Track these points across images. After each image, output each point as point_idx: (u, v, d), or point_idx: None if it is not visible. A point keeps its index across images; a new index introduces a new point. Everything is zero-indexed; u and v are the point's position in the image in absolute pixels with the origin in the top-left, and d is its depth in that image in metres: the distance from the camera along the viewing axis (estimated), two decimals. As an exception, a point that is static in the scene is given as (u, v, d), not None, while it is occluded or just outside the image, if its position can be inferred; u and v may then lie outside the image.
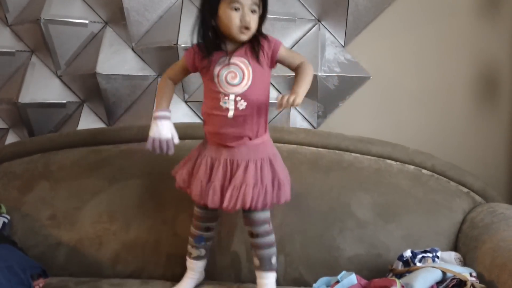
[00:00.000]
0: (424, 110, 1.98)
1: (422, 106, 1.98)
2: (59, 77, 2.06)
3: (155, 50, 1.95)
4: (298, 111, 2.00)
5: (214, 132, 1.44)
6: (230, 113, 1.39)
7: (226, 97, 1.40)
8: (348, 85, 1.96)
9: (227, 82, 1.40)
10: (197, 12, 1.44)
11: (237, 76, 1.40)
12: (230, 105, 1.40)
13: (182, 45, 1.86)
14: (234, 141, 1.42)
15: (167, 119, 1.46)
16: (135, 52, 2.01)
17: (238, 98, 1.40)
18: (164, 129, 1.45)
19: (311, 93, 1.94)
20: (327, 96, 1.95)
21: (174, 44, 1.87)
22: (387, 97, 1.99)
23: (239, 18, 1.35)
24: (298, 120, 2.00)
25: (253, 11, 1.37)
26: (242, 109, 1.40)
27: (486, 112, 1.96)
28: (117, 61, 1.98)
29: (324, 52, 1.94)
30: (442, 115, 1.97)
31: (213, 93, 1.41)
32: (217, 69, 1.41)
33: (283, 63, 1.45)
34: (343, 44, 1.97)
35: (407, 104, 1.98)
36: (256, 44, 1.41)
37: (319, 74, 1.89)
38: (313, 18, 1.96)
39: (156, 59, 1.98)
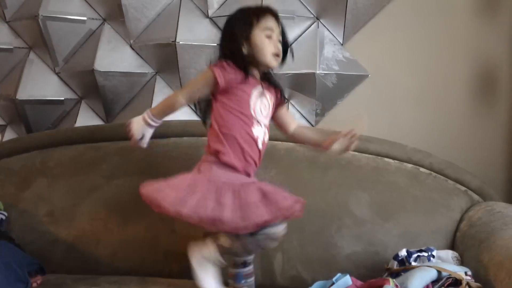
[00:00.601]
0: (422, 108, 1.98)
1: (420, 104, 1.98)
2: (57, 74, 2.06)
3: (153, 47, 1.95)
4: (296, 109, 2.00)
5: (247, 156, 1.35)
6: (260, 144, 1.38)
7: (259, 125, 1.37)
8: (346, 83, 1.96)
9: (260, 111, 1.38)
10: (226, 36, 1.40)
11: (267, 108, 1.41)
12: (260, 134, 1.37)
13: (181, 42, 1.86)
14: (252, 173, 1.38)
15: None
16: (133, 49, 2.01)
17: (265, 130, 1.40)
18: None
19: (309, 91, 1.94)
20: (325, 94, 1.95)
21: (172, 41, 1.87)
22: (385, 95, 1.98)
23: (272, 45, 1.36)
24: (296, 118, 1.99)
25: (279, 41, 1.39)
26: (264, 143, 1.40)
27: (484, 110, 1.96)
28: (115, 58, 1.98)
29: (322, 50, 1.93)
30: (440, 113, 1.97)
31: (245, 117, 1.35)
32: (254, 94, 1.37)
33: (280, 117, 1.49)
34: (341, 42, 1.97)
35: (405, 102, 1.98)
36: (279, 87, 1.45)
37: (318, 72, 1.89)
38: (312, 16, 1.96)
39: (154, 56, 1.98)
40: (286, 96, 1.98)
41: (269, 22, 1.37)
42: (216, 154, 1.34)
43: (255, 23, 1.36)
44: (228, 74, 1.34)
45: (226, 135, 1.34)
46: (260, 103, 1.38)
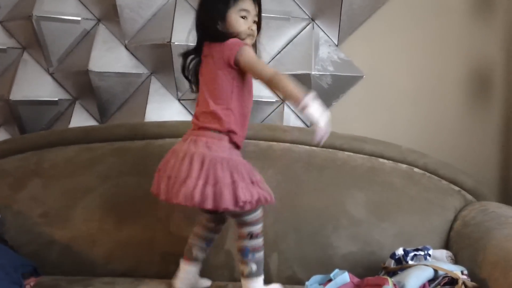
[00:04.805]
0: (416, 109, 1.99)
1: (415, 105, 1.99)
2: (51, 75, 2.04)
3: (149, 47, 1.94)
4: (292, 109, 2.01)
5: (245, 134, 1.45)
6: None
7: None
8: (341, 84, 1.96)
9: None
10: (202, 12, 1.44)
11: None
12: None
13: (176, 43, 1.86)
14: None
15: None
16: (128, 49, 2.00)
17: None
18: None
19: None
20: (320, 95, 1.92)
21: (168, 42, 1.86)
22: (380, 96, 1.99)
23: (247, 26, 1.41)
24: (292, 118, 2.00)
25: (254, 22, 1.44)
26: None
27: (478, 111, 1.98)
28: (110, 58, 1.97)
29: (317, 51, 1.94)
30: (434, 114, 1.98)
31: (251, 95, 1.45)
32: None
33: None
34: (336, 43, 1.98)
35: (400, 103, 1.99)
36: None
37: (313, 73, 1.90)
38: (307, 17, 1.97)
39: (150, 56, 1.98)
40: (282, 96, 1.99)
41: (246, 3, 1.41)
42: (229, 134, 1.37)
43: (232, 4, 1.39)
44: None
45: (244, 116, 1.41)
46: None
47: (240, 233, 1.41)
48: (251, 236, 1.39)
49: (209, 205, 1.29)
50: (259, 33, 1.48)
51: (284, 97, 1.44)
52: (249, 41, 1.42)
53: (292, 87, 1.31)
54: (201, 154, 1.32)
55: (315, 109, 1.28)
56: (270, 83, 1.34)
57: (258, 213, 1.40)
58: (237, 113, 1.38)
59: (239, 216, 1.38)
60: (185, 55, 1.47)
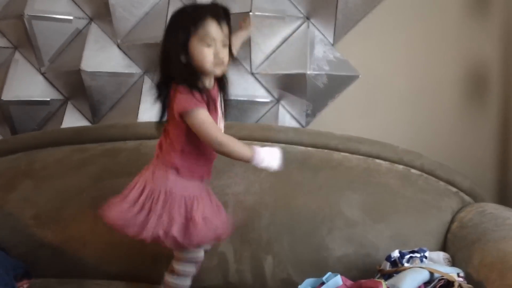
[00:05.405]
0: (413, 109, 1.98)
1: (411, 105, 1.98)
2: (43, 74, 2.03)
3: (141, 47, 1.93)
4: (286, 110, 2.00)
5: (206, 168, 1.41)
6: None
7: None
8: (337, 83, 1.95)
9: (220, 120, 1.37)
10: (163, 50, 1.32)
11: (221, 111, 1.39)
12: None
13: (169, 42, 1.84)
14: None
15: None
16: (120, 49, 1.99)
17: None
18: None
19: (300, 92, 1.93)
20: (316, 95, 1.95)
21: (161, 41, 1.84)
22: (376, 96, 1.99)
23: (212, 55, 1.27)
24: (286, 119, 1.99)
25: (224, 45, 1.29)
26: None
27: (475, 111, 1.97)
28: (102, 58, 1.96)
29: (313, 50, 1.92)
30: (431, 114, 1.98)
31: None
32: (218, 108, 1.34)
33: None
34: (332, 42, 1.97)
35: (396, 103, 1.99)
36: (225, 81, 1.38)
37: (308, 72, 1.88)
38: (302, 15, 1.95)
39: (142, 56, 1.97)
40: (276, 96, 1.98)
41: (209, 28, 1.26)
42: (177, 170, 1.34)
43: (192, 31, 1.26)
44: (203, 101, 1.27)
45: (195, 158, 1.36)
46: (220, 113, 1.36)
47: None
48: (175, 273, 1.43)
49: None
50: (233, 56, 1.35)
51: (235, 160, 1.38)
52: (218, 70, 1.30)
53: (239, 152, 1.29)
54: (143, 181, 1.35)
55: (268, 160, 1.32)
56: (217, 151, 1.32)
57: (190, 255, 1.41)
58: (189, 156, 1.34)
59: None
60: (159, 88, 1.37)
